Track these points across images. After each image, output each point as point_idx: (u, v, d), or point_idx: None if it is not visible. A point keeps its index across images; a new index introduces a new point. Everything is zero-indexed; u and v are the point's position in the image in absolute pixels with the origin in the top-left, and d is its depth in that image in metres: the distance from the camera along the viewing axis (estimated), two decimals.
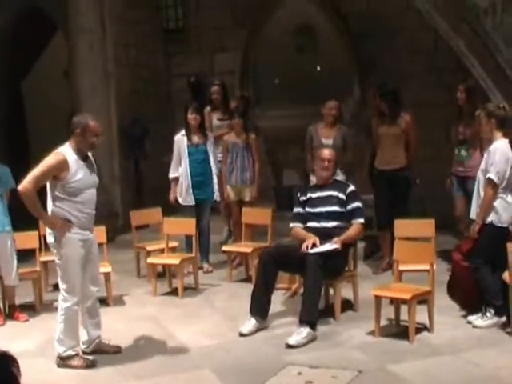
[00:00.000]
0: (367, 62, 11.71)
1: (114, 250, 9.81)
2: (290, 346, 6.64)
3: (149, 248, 9.39)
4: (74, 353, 6.43)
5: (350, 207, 7.48)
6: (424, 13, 8.86)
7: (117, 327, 7.47)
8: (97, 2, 12.36)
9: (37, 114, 15.27)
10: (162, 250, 9.15)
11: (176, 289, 8.65)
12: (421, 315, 6.91)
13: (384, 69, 11.20)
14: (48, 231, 6.36)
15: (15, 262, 7.93)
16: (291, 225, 7.64)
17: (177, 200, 9.47)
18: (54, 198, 6.25)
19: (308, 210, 7.61)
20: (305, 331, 6.78)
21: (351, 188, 7.60)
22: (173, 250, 9.22)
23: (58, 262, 6.36)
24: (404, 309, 6.96)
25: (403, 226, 7.96)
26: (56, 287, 8.98)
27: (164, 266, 9.14)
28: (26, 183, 6.12)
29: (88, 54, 12.36)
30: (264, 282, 7.26)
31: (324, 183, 7.66)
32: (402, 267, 7.39)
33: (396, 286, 7.25)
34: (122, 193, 12.42)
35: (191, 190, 9.35)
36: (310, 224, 7.53)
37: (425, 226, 7.93)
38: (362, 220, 7.48)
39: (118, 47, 12.63)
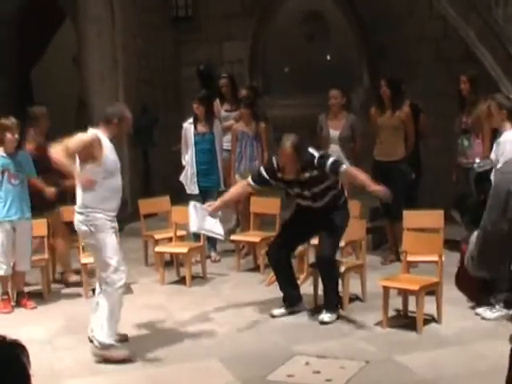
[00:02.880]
0: (377, 51, 11.67)
1: (122, 239, 9.69)
2: (323, 323, 7.07)
3: (157, 237, 9.38)
4: (113, 342, 6.31)
5: (327, 168, 7.01)
6: (434, 1, 8.82)
7: (124, 315, 7.44)
8: None
9: (46, 101, 15.27)
10: (170, 239, 9.15)
11: (184, 277, 8.66)
12: (429, 306, 6.92)
13: (393, 57, 11.17)
14: (79, 220, 6.33)
15: (30, 248, 8.03)
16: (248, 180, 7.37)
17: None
18: (83, 183, 6.25)
19: (295, 190, 7.29)
20: (332, 316, 7.16)
21: (316, 155, 7.10)
22: (181, 238, 9.20)
23: (95, 247, 6.36)
24: (412, 300, 6.97)
25: (412, 217, 7.92)
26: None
27: (172, 254, 9.15)
28: (56, 148, 6.22)
29: (96, 42, 12.33)
30: (284, 277, 7.44)
31: (296, 175, 7.18)
32: (410, 258, 7.37)
33: (404, 276, 7.25)
34: (130, 181, 12.41)
35: (195, 179, 9.36)
36: (302, 202, 7.35)
37: (433, 217, 7.89)
38: (344, 167, 7.20)
39: (127, 35, 12.60)
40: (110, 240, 6.28)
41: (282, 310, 7.36)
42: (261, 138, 9.76)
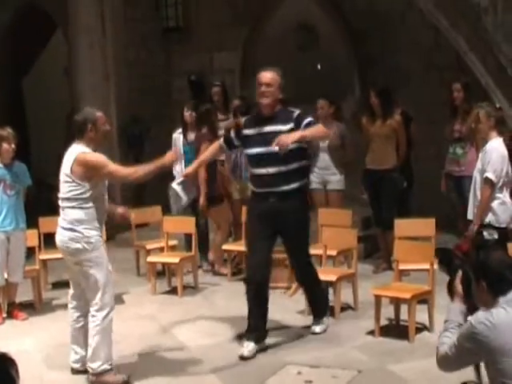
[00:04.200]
0: (367, 60, 11.71)
1: (114, 248, 9.77)
2: (315, 333, 6.99)
3: (148, 246, 9.38)
4: (109, 367, 6.04)
5: (304, 124, 6.48)
6: (425, 10, 8.85)
7: (115, 326, 7.43)
8: (96, 0, 12.35)
9: (37, 112, 15.27)
10: (161, 249, 9.16)
11: (176, 288, 8.65)
12: (421, 315, 6.92)
13: (384, 67, 11.22)
14: (70, 237, 5.95)
15: (24, 259, 8.02)
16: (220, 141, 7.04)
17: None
18: (84, 201, 5.92)
19: (250, 151, 6.62)
20: (324, 323, 7.08)
21: (296, 112, 6.55)
22: (172, 248, 9.22)
23: (84, 270, 5.97)
24: (404, 308, 6.96)
25: (403, 226, 7.93)
26: (55, 286, 9.08)
27: (163, 264, 9.14)
28: (125, 175, 6.19)
29: (88, 53, 12.33)
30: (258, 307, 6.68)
31: (267, 113, 6.57)
32: (402, 267, 7.39)
33: (396, 285, 7.25)
34: (121, 191, 12.40)
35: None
36: (256, 171, 6.61)
37: (425, 226, 7.91)
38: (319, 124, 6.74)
39: (118, 46, 12.62)
40: (104, 265, 6.01)
41: (251, 347, 6.52)
42: None
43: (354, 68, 12.07)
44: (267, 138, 6.34)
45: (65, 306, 8.13)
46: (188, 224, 8.87)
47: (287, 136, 6.25)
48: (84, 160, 5.90)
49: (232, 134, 6.83)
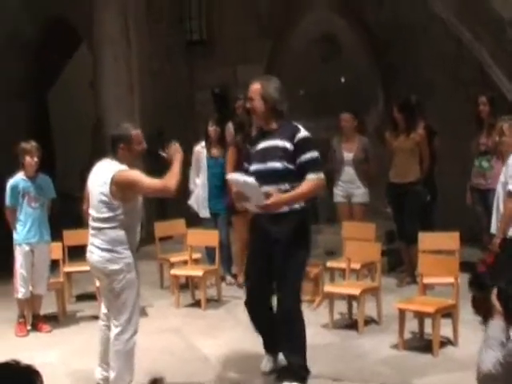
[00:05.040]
0: (391, 72, 11.70)
1: (137, 261, 9.77)
2: None
3: (172, 259, 9.40)
4: None
5: (301, 160, 5.73)
6: (448, 22, 8.83)
7: (139, 339, 7.45)
8: (121, 13, 12.45)
9: (62, 124, 15.40)
10: (185, 262, 9.17)
11: (199, 300, 8.67)
12: (445, 329, 6.89)
13: (407, 79, 11.20)
14: (107, 258, 5.75)
15: (48, 272, 8.07)
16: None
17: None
18: (123, 221, 5.73)
19: (251, 168, 5.96)
20: None
21: (301, 134, 5.77)
22: (196, 261, 9.25)
23: (117, 290, 5.77)
24: (428, 322, 6.93)
25: (427, 239, 7.92)
26: (79, 298, 9.11)
27: (187, 277, 9.16)
28: (164, 189, 5.70)
29: (112, 65, 12.45)
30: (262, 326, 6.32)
31: (266, 128, 5.93)
32: (426, 280, 7.37)
33: (420, 299, 7.23)
34: (145, 204, 12.43)
35: (207, 203, 9.37)
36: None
37: (449, 239, 7.90)
38: (315, 175, 5.75)
39: (142, 58, 12.71)
40: (134, 288, 5.84)
41: (271, 362, 6.32)
42: None
43: (377, 80, 12.06)
44: (265, 154, 5.83)
45: (89, 319, 8.23)
46: (211, 237, 8.89)
47: (279, 200, 5.67)
48: (121, 180, 5.63)
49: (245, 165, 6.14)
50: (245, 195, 5.79)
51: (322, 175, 5.80)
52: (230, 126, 9.89)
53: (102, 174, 5.73)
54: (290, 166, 5.71)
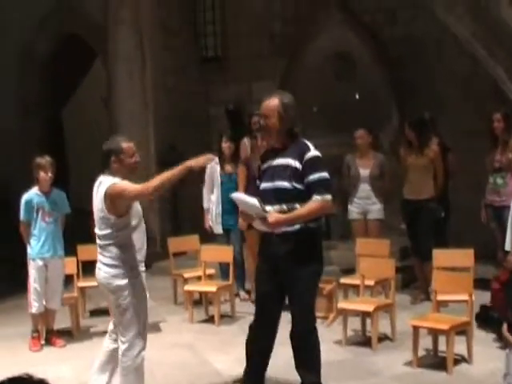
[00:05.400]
0: (405, 90, 11.72)
1: (151, 277, 9.83)
2: None
3: (186, 275, 9.44)
4: None
5: (309, 180, 5.54)
6: (462, 39, 8.84)
7: (152, 354, 7.45)
8: (136, 29, 12.53)
9: (76, 139, 15.48)
10: (199, 277, 9.19)
11: (212, 316, 8.68)
12: (459, 346, 6.85)
13: (421, 96, 11.22)
14: (112, 274, 5.70)
15: (62, 286, 8.10)
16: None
17: (211, 228, 9.55)
18: (123, 236, 5.72)
19: (260, 186, 5.81)
20: None
21: (311, 153, 5.58)
22: (210, 277, 9.27)
23: (123, 306, 5.70)
24: (442, 339, 6.91)
25: (442, 256, 7.90)
26: (93, 313, 9.14)
27: (201, 293, 9.19)
28: (147, 191, 5.52)
29: (127, 82, 12.52)
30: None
31: (277, 146, 5.73)
32: (440, 297, 7.34)
33: (434, 316, 7.20)
34: (159, 220, 12.49)
35: (220, 219, 9.39)
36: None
37: (463, 256, 7.88)
38: (320, 196, 5.52)
39: (157, 74, 12.77)
40: (142, 304, 5.80)
41: None
42: None
43: (391, 97, 12.06)
44: (273, 173, 5.66)
45: (102, 334, 8.15)
46: (225, 253, 8.90)
47: (278, 219, 5.50)
48: (112, 193, 5.60)
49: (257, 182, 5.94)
50: (250, 214, 5.72)
51: (328, 197, 5.57)
52: (245, 142, 9.80)
53: (100, 191, 5.70)
54: (299, 186, 5.53)
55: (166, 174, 5.53)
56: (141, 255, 5.94)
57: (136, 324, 5.72)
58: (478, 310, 7.80)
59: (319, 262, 5.77)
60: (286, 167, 5.57)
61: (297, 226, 5.56)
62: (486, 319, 7.76)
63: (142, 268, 5.99)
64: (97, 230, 5.77)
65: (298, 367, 5.88)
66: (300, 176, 5.52)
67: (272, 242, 5.65)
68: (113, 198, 5.60)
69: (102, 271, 5.76)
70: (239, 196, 5.98)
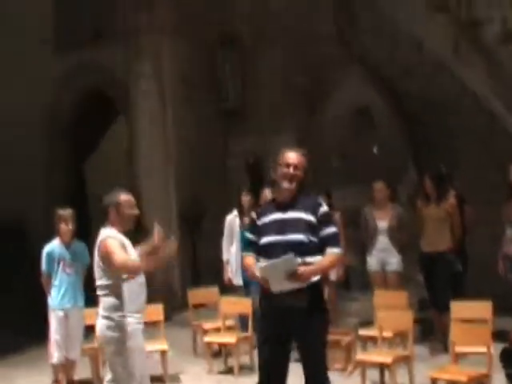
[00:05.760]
0: (422, 144, 11.79)
1: (171, 328, 9.87)
2: None
3: (205, 326, 9.49)
4: None
5: (324, 234, 5.62)
6: (480, 95, 8.92)
7: None
8: (157, 82, 12.76)
9: (99, 192, 15.63)
10: (218, 329, 9.22)
11: (232, 367, 8.71)
12: None
13: (438, 150, 11.27)
14: (107, 325, 5.73)
15: (82, 337, 8.18)
16: (243, 253, 5.97)
17: (230, 280, 9.60)
18: (116, 286, 5.73)
19: (264, 240, 5.65)
20: None
21: (324, 208, 5.71)
22: (229, 328, 9.29)
23: (116, 358, 5.72)
24: None
25: (460, 308, 7.90)
26: None
27: (220, 344, 9.22)
28: (131, 269, 5.65)
29: (148, 134, 12.71)
30: None
31: (288, 199, 5.70)
32: (458, 349, 7.30)
33: (453, 368, 7.16)
34: (180, 272, 12.59)
35: (240, 271, 9.45)
36: (264, 261, 5.59)
37: (481, 308, 7.86)
38: (338, 250, 5.67)
39: (179, 127, 12.94)
40: (139, 355, 5.75)
41: None
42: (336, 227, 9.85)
43: (409, 151, 12.16)
44: (282, 226, 5.59)
45: None
46: (244, 305, 8.94)
47: (309, 271, 5.48)
48: (102, 250, 5.72)
49: (254, 237, 5.76)
50: (266, 279, 5.54)
51: (341, 250, 5.71)
52: (266, 192, 9.63)
53: (96, 241, 5.83)
54: (313, 239, 5.55)
55: (145, 263, 5.65)
56: (139, 306, 5.90)
57: (136, 377, 5.68)
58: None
59: (327, 312, 5.79)
60: (300, 220, 5.56)
61: (313, 280, 5.54)
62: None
63: (140, 321, 5.89)
64: (96, 281, 5.85)
65: None
66: (314, 229, 5.55)
67: (281, 299, 5.48)
68: (102, 254, 5.71)
69: (99, 323, 5.80)
70: (267, 265, 5.59)
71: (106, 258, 5.67)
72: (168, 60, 12.93)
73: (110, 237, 5.75)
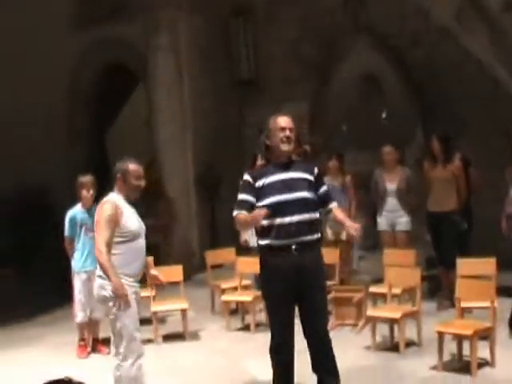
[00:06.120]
0: (428, 110, 11.95)
1: (190, 288, 10.21)
2: None
3: (223, 286, 9.80)
4: None
5: (322, 191, 6.00)
6: (484, 62, 9.03)
7: (192, 360, 7.85)
8: (174, 55, 12.98)
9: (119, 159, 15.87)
10: (235, 288, 9.52)
11: (248, 325, 8.99)
12: (483, 350, 7.03)
13: (445, 115, 11.44)
14: (100, 284, 5.95)
15: None
16: (234, 213, 5.96)
17: (247, 242, 9.81)
18: (112, 247, 5.92)
19: (269, 199, 5.80)
20: None
21: (317, 169, 6.05)
22: (246, 287, 9.58)
23: (111, 316, 5.90)
24: (466, 344, 7.09)
25: (465, 265, 8.10)
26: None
27: (237, 302, 9.54)
28: (99, 249, 5.88)
29: (167, 105, 12.94)
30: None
31: (285, 161, 5.94)
32: (464, 304, 7.52)
33: (458, 322, 7.36)
34: (198, 234, 12.87)
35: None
36: (278, 220, 5.75)
37: (486, 265, 8.06)
38: (336, 203, 6.19)
39: (195, 98, 13.14)
40: (130, 316, 5.86)
41: None
42: (347, 189, 10.16)
43: (415, 116, 12.28)
44: (288, 184, 5.82)
45: (144, 342, 8.52)
46: None
47: (353, 227, 5.96)
48: (98, 210, 6.02)
49: (248, 197, 5.92)
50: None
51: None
52: (258, 157, 9.74)
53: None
54: (314, 196, 5.90)
55: (109, 270, 5.80)
56: (134, 270, 6.04)
57: (126, 336, 5.84)
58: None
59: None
60: (303, 179, 5.88)
61: (316, 236, 5.90)
62: None
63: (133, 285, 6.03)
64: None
65: (317, 370, 6.09)
66: (312, 188, 5.91)
67: (291, 253, 5.77)
68: (96, 217, 6.05)
69: (95, 281, 6.06)
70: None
71: (96, 224, 6.00)
72: (184, 33, 13.14)
73: (109, 201, 5.96)
